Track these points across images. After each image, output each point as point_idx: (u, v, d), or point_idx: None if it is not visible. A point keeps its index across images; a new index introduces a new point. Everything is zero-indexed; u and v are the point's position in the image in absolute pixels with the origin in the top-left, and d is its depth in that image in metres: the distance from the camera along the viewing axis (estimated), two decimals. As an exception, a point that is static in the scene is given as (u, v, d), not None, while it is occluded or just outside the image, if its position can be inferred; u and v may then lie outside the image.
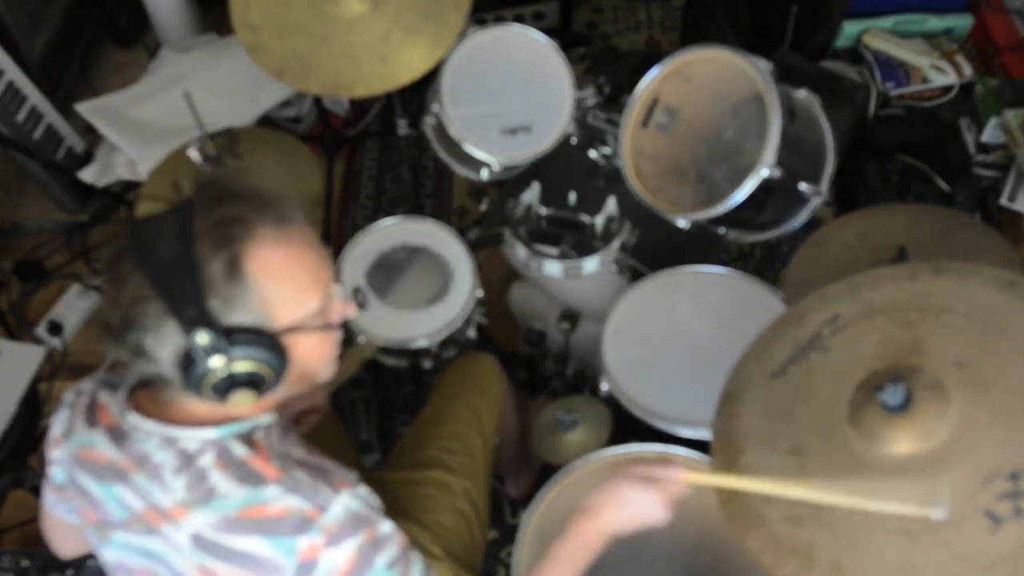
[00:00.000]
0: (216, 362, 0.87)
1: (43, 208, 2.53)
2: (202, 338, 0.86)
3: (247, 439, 0.97)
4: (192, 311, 0.86)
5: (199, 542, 0.94)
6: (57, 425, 1.05)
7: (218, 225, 0.88)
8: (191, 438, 0.95)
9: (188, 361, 0.88)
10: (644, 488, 1.07)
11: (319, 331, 0.96)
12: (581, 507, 1.09)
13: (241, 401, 0.92)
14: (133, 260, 0.88)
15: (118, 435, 0.98)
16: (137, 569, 1.01)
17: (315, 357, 0.98)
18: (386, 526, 0.97)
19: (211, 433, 0.95)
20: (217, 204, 0.89)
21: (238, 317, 0.88)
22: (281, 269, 0.90)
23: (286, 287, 0.91)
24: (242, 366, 0.89)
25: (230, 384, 0.90)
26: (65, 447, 1.03)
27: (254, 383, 0.91)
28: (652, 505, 1.07)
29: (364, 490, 0.97)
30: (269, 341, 0.90)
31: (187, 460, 0.95)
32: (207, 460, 0.94)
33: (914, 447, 0.90)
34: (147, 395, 0.98)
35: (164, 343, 0.88)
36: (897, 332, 1.00)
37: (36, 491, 1.82)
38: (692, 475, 1.09)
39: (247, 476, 0.94)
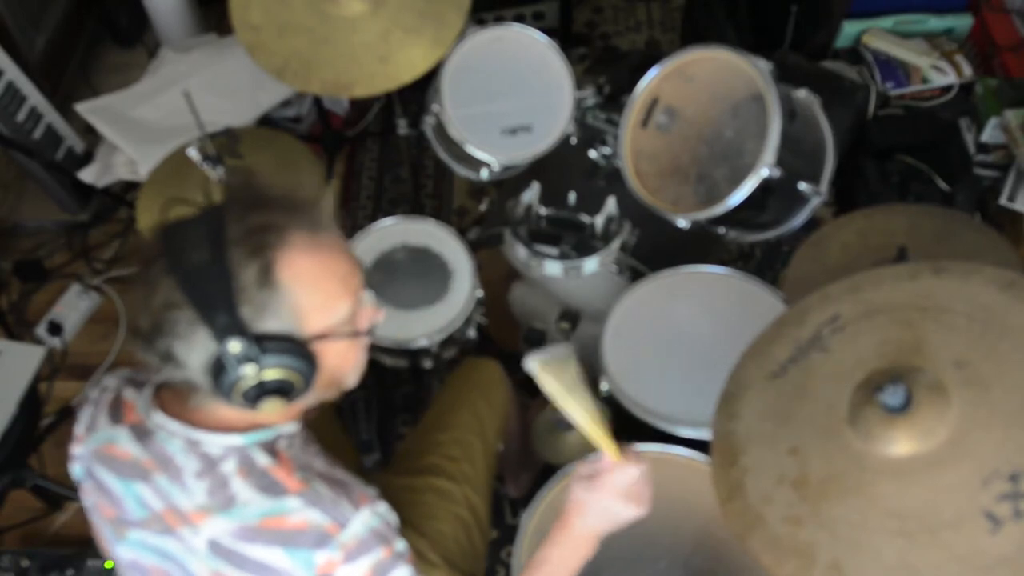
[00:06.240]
0: (247, 370, 0.87)
1: (43, 208, 2.53)
2: (234, 346, 0.86)
3: (270, 448, 0.97)
4: (224, 319, 0.85)
5: (216, 548, 0.94)
6: (80, 421, 1.05)
7: (251, 232, 0.87)
8: (215, 443, 0.95)
9: (219, 368, 0.87)
10: (588, 487, 1.06)
11: (348, 338, 0.95)
12: (558, 516, 1.08)
13: (271, 408, 0.92)
14: (164, 265, 0.87)
15: (142, 433, 0.98)
16: (151, 568, 1.01)
17: (344, 364, 0.98)
18: (401, 544, 0.97)
19: (235, 440, 0.95)
20: (250, 210, 0.89)
21: (269, 324, 0.87)
22: (313, 276, 0.90)
23: (317, 294, 0.90)
24: (273, 374, 0.88)
25: (260, 392, 0.89)
26: (87, 442, 1.03)
27: (284, 390, 0.91)
28: (606, 501, 1.05)
29: (383, 507, 0.97)
30: (299, 349, 0.90)
31: (209, 465, 0.95)
32: (229, 467, 0.94)
33: (914, 448, 0.90)
34: (173, 394, 0.98)
35: (194, 350, 0.87)
36: (897, 332, 1.00)
37: (36, 491, 1.82)
38: (607, 451, 1.07)
39: (269, 486, 0.94)
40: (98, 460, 1.01)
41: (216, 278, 0.85)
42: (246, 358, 0.86)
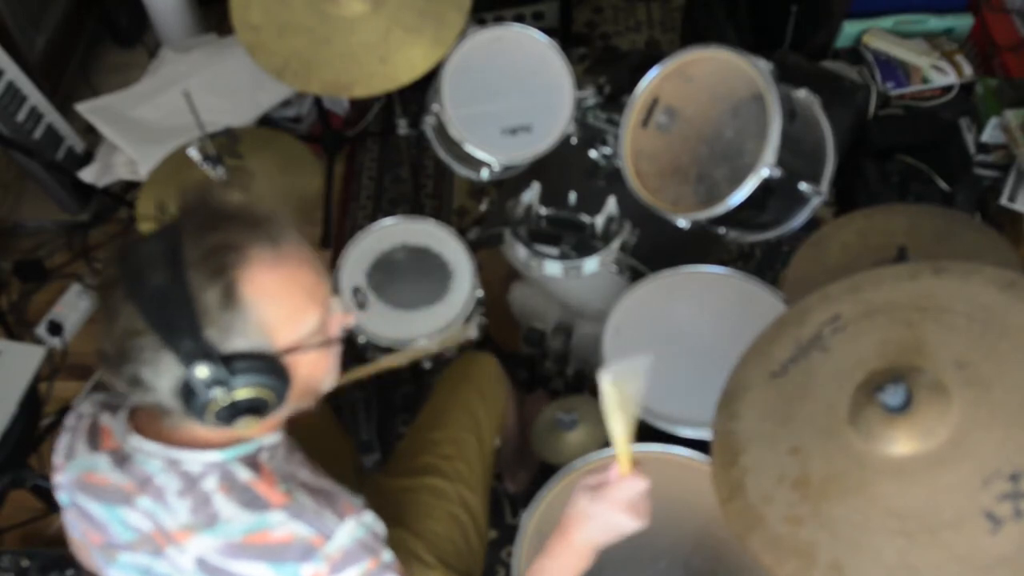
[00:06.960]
0: (217, 392, 0.86)
1: (43, 208, 2.53)
2: (201, 371, 0.84)
3: (251, 461, 0.96)
4: (189, 343, 0.84)
5: (203, 566, 0.94)
6: (59, 450, 1.04)
7: (210, 253, 0.85)
8: (194, 460, 0.94)
9: (188, 392, 0.86)
10: (593, 499, 1.03)
11: (320, 348, 0.94)
12: (557, 526, 1.07)
13: (246, 426, 0.91)
14: (123, 290, 0.85)
15: (120, 458, 0.97)
16: None
17: (316, 372, 0.97)
18: (388, 555, 0.97)
19: (215, 456, 0.94)
20: (207, 230, 0.86)
21: (237, 344, 0.86)
22: (277, 291, 0.88)
23: (283, 308, 0.89)
24: (244, 393, 0.87)
25: (233, 412, 0.88)
26: (67, 471, 1.02)
27: (257, 408, 0.90)
28: (609, 513, 1.03)
29: (370, 517, 0.97)
30: (269, 365, 0.88)
31: (190, 483, 0.94)
32: (211, 484, 0.93)
33: (914, 447, 0.90)
34: (148, 415, 0.96)
35: (162, 376, 0.86)
36: (898, 332, 1.00)
37: (36, 491, 1.82)
38: (620, 464, 1.05)
39: (251, 501, 0.93)
40: (80, 488, 1.00)
41: (177, 303, 0.83)
42: (215, 381, 0.85)
